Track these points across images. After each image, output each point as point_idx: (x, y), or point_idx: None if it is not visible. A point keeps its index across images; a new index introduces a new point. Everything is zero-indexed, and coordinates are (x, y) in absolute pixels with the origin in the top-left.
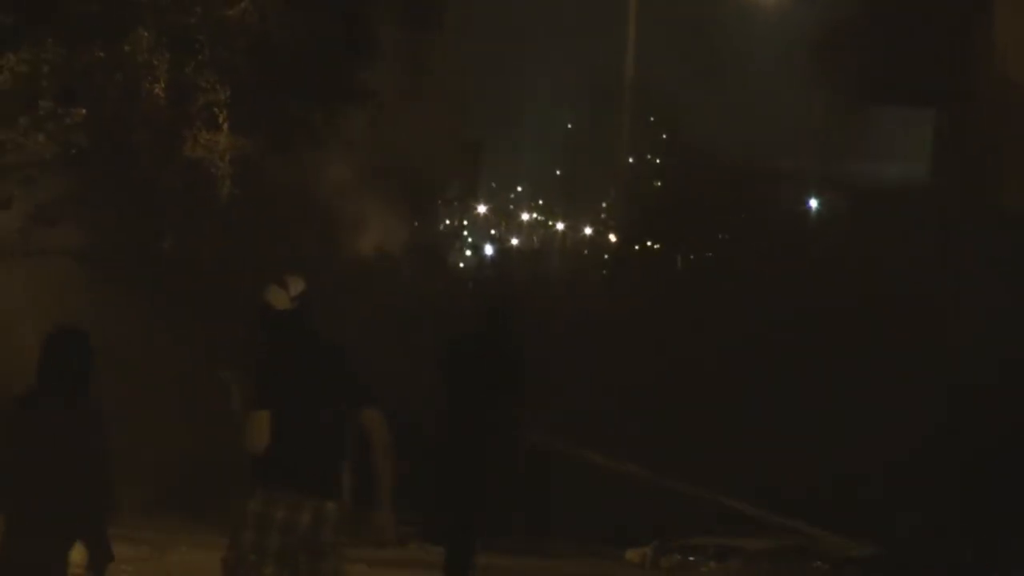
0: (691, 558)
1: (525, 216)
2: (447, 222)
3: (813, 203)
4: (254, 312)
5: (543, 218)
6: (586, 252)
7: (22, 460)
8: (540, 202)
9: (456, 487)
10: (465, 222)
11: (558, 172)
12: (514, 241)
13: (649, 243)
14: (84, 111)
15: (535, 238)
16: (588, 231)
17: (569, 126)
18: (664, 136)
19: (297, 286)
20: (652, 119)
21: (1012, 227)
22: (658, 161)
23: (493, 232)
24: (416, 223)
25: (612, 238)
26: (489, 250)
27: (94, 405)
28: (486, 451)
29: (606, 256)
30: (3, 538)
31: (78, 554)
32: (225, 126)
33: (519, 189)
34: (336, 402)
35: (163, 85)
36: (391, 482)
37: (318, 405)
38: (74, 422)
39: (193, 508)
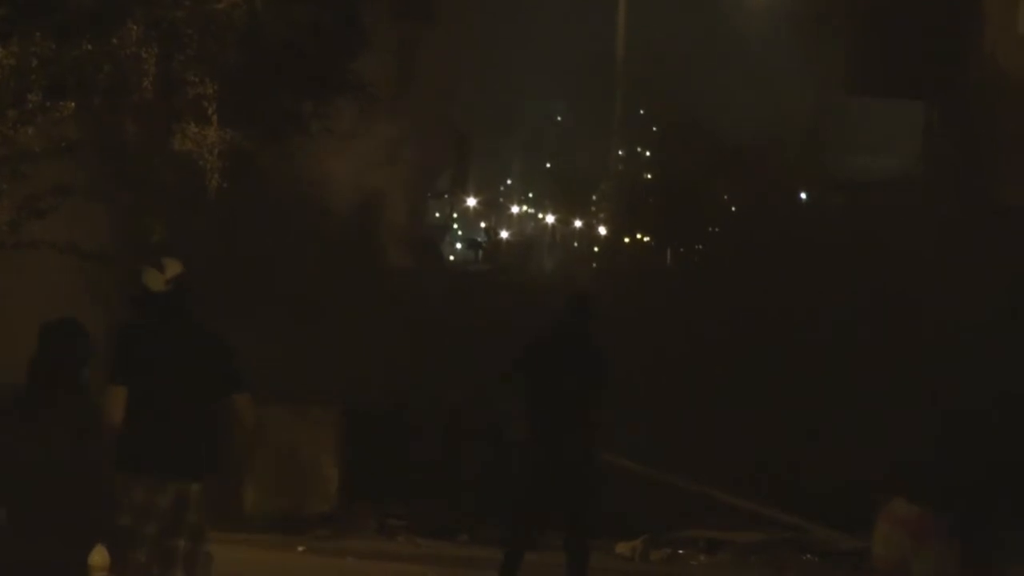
0: (681, 551)
1: (515, 209)
2: (436, 215)
3: (803, 195)
4: (131, 292)
5: (532, 211)
6: (576, 244)
7: (18, 462)
8: (530, 195)
9: (542, 487)
10: (455, 215)
11: (548, 165)
12: (504, 234)
13: (639, 235)
14: (73, 104)
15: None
16: (578, 224)
17: (559, 119)
18: (655, 129)
19: (173, 269)
20: (642, 112)
21: (1002, 217)
22: (648, 154)
23: (483, 225)
24: (407, 216)
25: (602, 231)
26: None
27: (90, 404)
28: (572, 450)
29: (596, 249)
30: (10, 539)
31: (99, 557)
32: (214, 119)
33: (508, 182)
34: (203, 385)
35: (152, 78)
36: (240, 459)
37: (183, 387)
38: (70, 422)
39: None
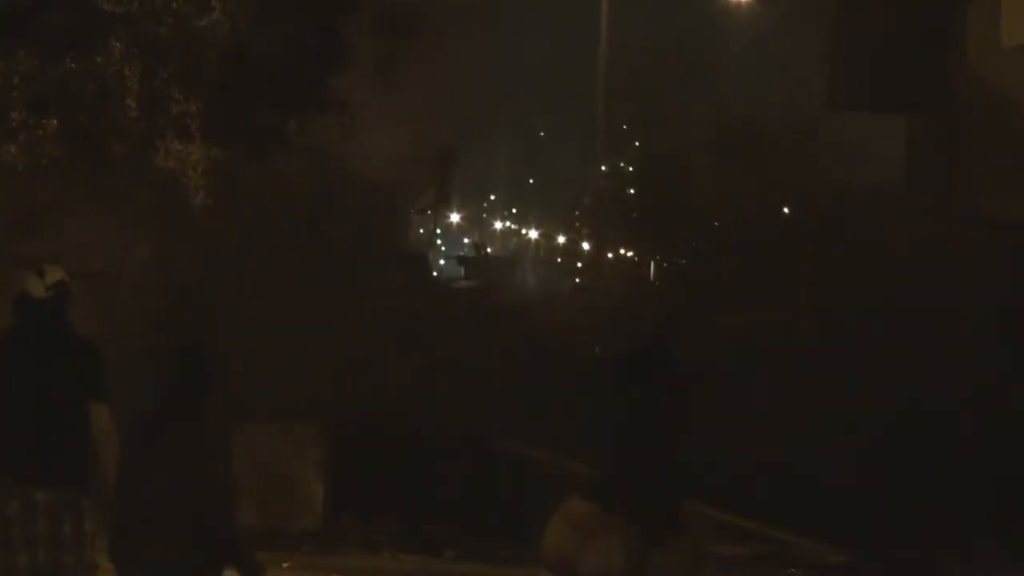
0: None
1: (498, 224)
2: (421, 231)
3: (786, 209)
4: (12, 297)
5: (516, 226)
6: (559, 260)
7: (147, 481)
8: (513, 210)
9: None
10: (438, 230)
11: (531, 181)
12: (488, 249)
13: (622, 250)
14: (56, 122)
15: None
16: (561, 239)
17: (542, 134)
18: (637, 144)
19: (54, 275)
20: (625, 127)
21: (985, 231)
22: (631, 169)
23: (467, 240)
24: (391, 232)
25: (585, 246)
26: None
27: (217, 423)
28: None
29: (579, 264)
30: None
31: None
32: (198, 136)
33: (492, 197)
34: (64, 393)
35: (135, 96)
36: (110, 474)
37: (44, 395)
38: (196, 441)
39: None
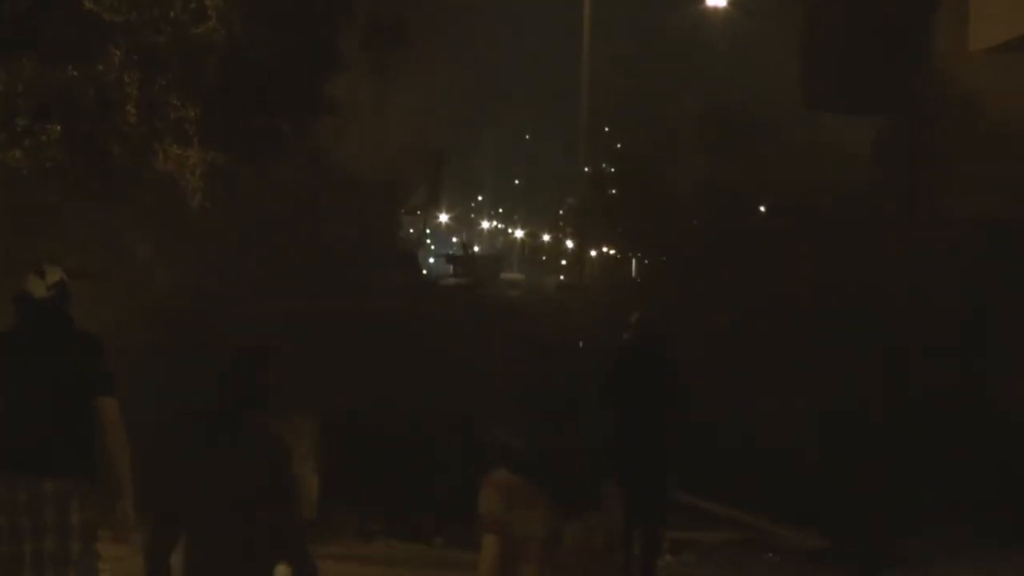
0: None
1: (485, 224)
2: (411, 231)
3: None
4: (14, 297)
5: (503, 226)
6: (544, 258)
7: (208, 479)
8: (500, 210)
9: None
10: (428, 230)
11: (517, 182)
12: (476, 248)
13: (605, 248)
14: (59, 127)
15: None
16: (546, 238)
17: (527, 137)
18: (618, 146)
19: (54, 276)
20: (607, 129)
21: (949, 230)
22: (612, 170)
23: (455, 239)
24: (382, 231)
25: (569, 244)
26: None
27: (276, 425)
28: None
29: (563, 262)
30: (189, 556)
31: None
32: (195, 140)
33: (479, 198)
34: (70, 387)
35: (135, 102)
36: (125, 471)
37: (51, 390)
38: (261, 441)
39: None
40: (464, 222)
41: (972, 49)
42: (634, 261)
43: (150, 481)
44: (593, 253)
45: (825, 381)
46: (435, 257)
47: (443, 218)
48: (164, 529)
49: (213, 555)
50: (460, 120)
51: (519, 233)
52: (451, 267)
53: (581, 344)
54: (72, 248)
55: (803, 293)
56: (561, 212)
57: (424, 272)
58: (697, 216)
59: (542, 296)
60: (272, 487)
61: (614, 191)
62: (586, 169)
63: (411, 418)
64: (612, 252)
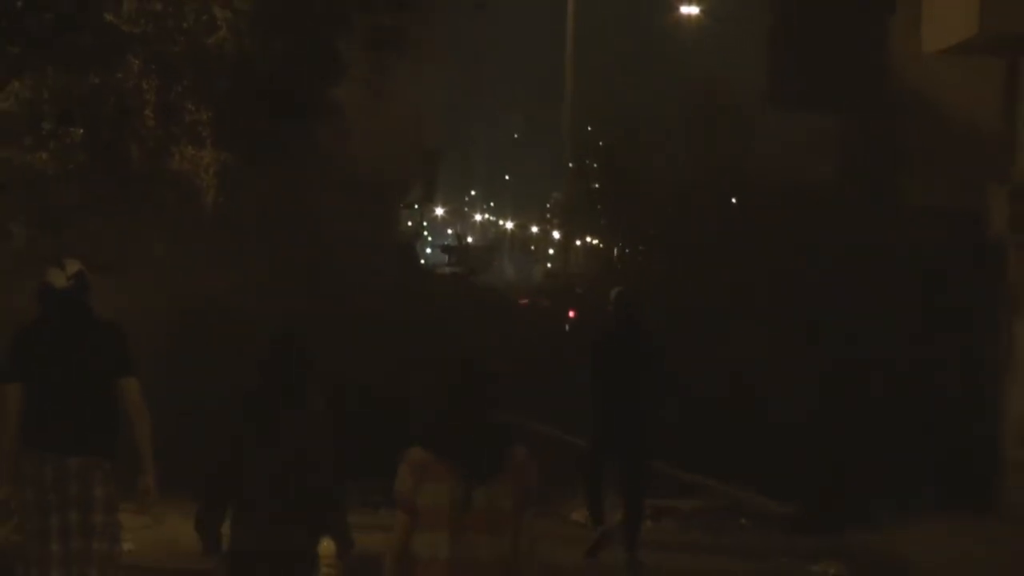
0: None
1: (478, 217)
2: (409, 224)
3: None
4: (35, 290)
5: (494, 218)
6: (533, 248)
7: (256, 458)
8: (492, 204)
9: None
10: (425, 223)
11: (507, 177)
12: (469, 239)
13: (589, 238)
14: (82, 131)
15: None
16: (534, 229)
17: (516, 136)
18: (601, 144)
19: (73, 267)
20: (590, 128)
21: (910, 225)
22: (595, 165)
23: (450, 231)
24: (382, 225)
25: (556, 235)
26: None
27: (319, 405)
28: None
29: (551, 251)
30: (237, 528)
31: (327, 547)
32: (208, 142)
33: (472, 192)
34: (94, 370)
35: (152, 107)
36: (147, 447)
37: (75, 373)
38: (304, 422)
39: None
40: (459, 215)
41: (925, 51)
42: (615, 251)
43: (181, 461)
44: (578, 243)
45: (791, 359)
46: (432, 247)
47: (439, 212)
48: (213, 503)
49: (262, 526)
50: (455, 119)
51: (509, 225)
52: (446, 257)
53: (567, 327)
54: (93, 246)
55: (762, 277)
56: (548, 205)
57: (422, 261)
58: (672, 207)
59: (528, 283)
60: (313, 462)
61: (597, 185)
62: (570, 165)
63: (406, 394)
64: (596, 242)
